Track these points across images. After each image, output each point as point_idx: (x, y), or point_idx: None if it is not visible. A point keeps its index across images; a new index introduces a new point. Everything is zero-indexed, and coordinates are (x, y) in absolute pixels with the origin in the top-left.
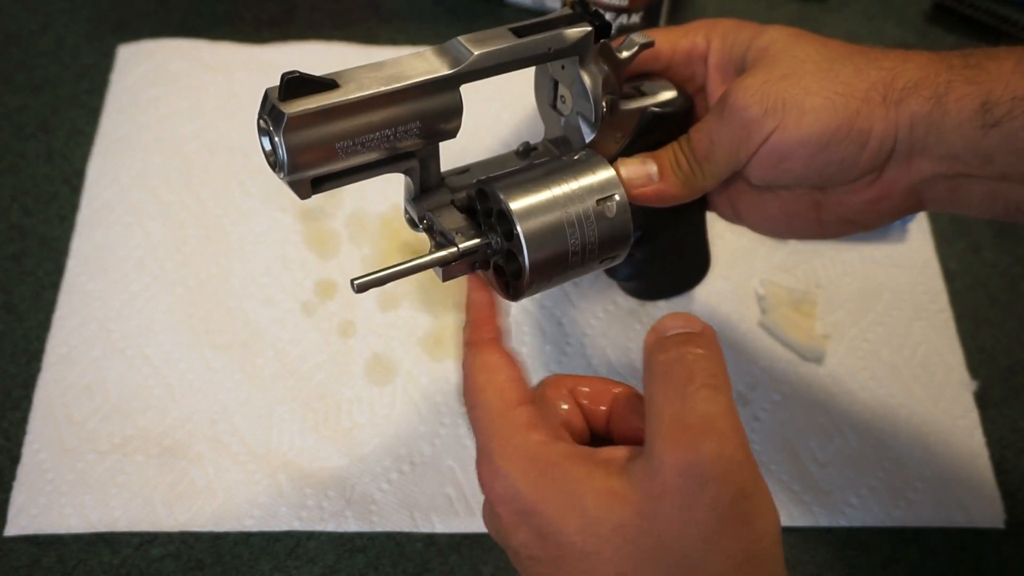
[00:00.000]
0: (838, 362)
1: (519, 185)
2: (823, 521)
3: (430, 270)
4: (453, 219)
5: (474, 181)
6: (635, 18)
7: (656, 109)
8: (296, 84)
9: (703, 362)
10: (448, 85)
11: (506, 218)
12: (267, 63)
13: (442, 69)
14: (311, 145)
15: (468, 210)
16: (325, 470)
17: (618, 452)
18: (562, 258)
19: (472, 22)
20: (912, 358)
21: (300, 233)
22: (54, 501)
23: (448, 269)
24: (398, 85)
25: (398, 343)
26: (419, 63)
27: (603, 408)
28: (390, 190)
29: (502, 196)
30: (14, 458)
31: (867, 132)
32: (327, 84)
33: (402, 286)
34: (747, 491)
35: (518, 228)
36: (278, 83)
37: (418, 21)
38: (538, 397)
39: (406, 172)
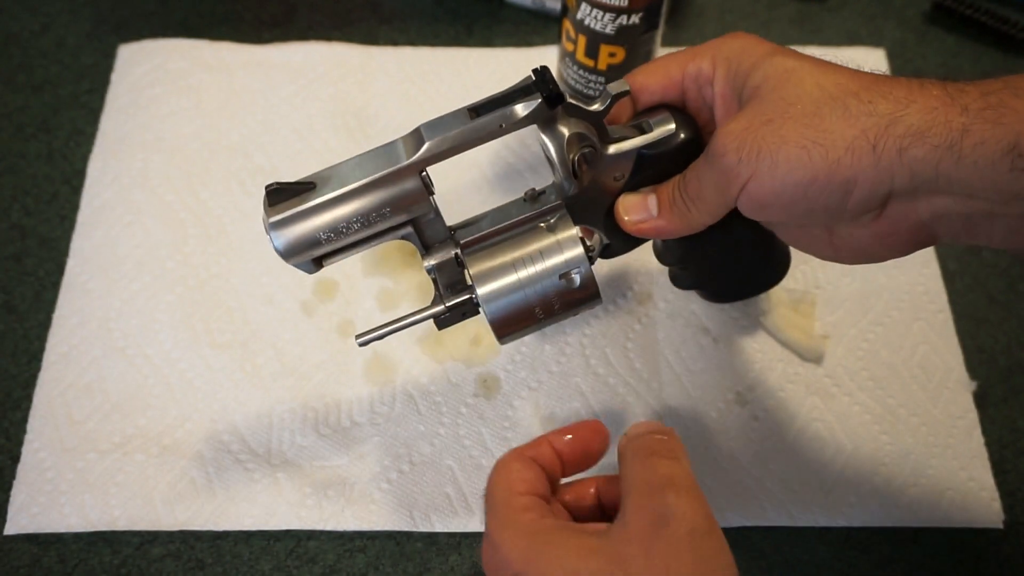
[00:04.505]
0: (837, 362)
1: (489, 260)
2: (823, 521)
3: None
4: (452, 274)
5: (461, 243)
6: (635, 19)
7: (645, 151)
8: (275, 192)
9: (663, 443)
10: (407, 174)
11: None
12: (267, 63)
13: (402, 160)
14: (297, 239)
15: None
16: (325, 470)
17: (601, 525)
18: (528, 318)
19: (472, 22)
20: (911, 358)
21: None
22: (54, 500)
23: (440, 321)
24: (362, 182)
25: (398, 343)
26: (388, 153)
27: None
28: None
29: (471, 273)
30: (14, 457)
31: (851, 181)
32: (304, 187)
33: (402, 286)
34: (701, 530)
35: (483, 309)
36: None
37: (418, 21)
38: (564, 492)
39: (405, 238)
